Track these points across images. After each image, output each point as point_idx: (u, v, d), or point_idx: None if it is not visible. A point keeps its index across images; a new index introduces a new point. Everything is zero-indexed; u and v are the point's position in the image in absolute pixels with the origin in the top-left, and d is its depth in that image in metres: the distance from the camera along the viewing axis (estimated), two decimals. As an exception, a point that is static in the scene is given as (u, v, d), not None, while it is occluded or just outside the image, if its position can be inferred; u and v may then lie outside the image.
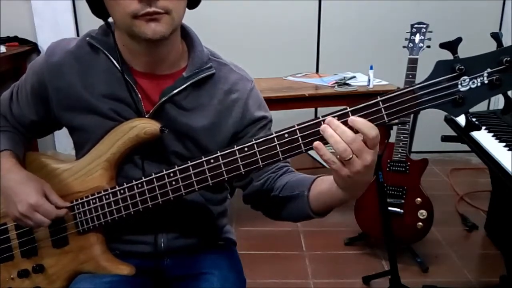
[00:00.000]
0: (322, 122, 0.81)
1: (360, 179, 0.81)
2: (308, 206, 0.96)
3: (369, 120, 0.79)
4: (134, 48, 0.98)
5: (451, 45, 0.77)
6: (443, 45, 0.78)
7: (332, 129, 0.79)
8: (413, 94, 0.78)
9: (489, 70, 0.75)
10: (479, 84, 0.76)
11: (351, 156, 0.77)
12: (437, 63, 0.77)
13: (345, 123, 0.79)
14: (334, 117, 0.80)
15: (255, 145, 0.87)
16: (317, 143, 0.80)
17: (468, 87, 0.76)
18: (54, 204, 1.02)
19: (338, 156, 0.79)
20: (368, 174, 0.81)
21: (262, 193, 1.06)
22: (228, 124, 1.06)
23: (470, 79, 0.76)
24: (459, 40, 0.77)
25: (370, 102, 0.79)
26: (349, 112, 0.80)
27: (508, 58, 0.74)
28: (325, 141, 0.80)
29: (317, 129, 0.81)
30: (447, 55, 0.79)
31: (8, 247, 1.09)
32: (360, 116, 0.79)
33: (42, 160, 1.10)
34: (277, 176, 1.06)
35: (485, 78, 0.75)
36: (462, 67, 0.75)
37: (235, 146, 0.89)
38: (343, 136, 0.78)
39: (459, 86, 0.76)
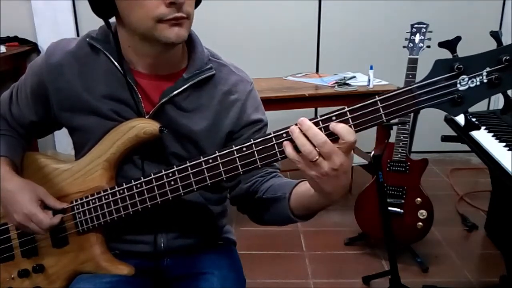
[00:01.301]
0: (320, 122, 0.81)
1: (332, 182, 0.80)
2: (289, 208, 0.96)
3: (367, 120, 0.79)
4: (142, 50, 0.98)
5: (450, 44, 0.77)
6: (442, 44, 0.77)
7: (304, 130, 0.79)
8: (411, 93, 0.78)
9: (488, 69, 0.75)
10: (478, 83, 0.75)
11: (316, 157, 0.78)
12: (435, 62, 0.77)
13: (327, 127, 0.79)
14: (330, 117, 0.80)
15: (253, 145, 0.86)
16: (286, 142, 0.82)
17: (467, 86, 0.76)
18: (52, 207, 1.03)
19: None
20: (340, 178, 0.80)
21: (248, 195, 1.07)
22: (225, 124, 1.06)
23: (469, 78, 0.75)
24: (458, 39, 0.77)
25: (368, 102, 0.79)
26: (347, 112, 0.79)
27: (508, 57, 0.73)
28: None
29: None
30: (447, 55, 0.78)
31: (9, 246, 1.10)
32: (358, 115, 0.79)
33: (42, 160, 1.10)
34: (265, 180, 1.06)
35: (484, 77, 0.75)
36: (461, 66, 0.75)
37: (233, 146, 0.89)
38: (314, 138, 0.78)
39: (458, 85, 0.76)
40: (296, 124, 0.81)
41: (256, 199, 1.05)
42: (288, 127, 0.83)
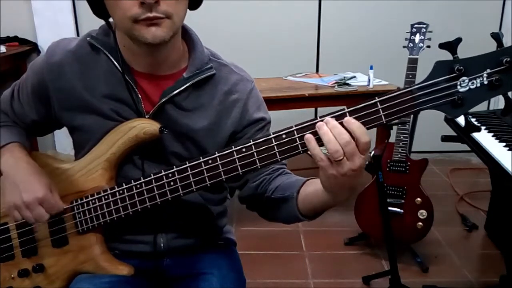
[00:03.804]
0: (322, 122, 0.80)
1: (346, 182, 0.81)
2: (297, 208, 0.96)
3: (366, 121, 0.79)
4: (134, 50, 0.98)
5: (451, 46, 0.77)
6: (442, 46, 0.77)
7: (329, 128, 0.78)
8: (412, 94, 0.78)
9: (488, 70, 0.75)
10: (478, 85, 0.75)
11: (342, 157, 0.77)
12: (436, 64, 0.77)
13: (341, 124, 0.78)
14: (332, 117, 0.80)
15: (253, 146, 0.87)
16: (308, 136, 0.80)
17: (467, 88, 0.76)
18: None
19: (329, 155, 0.79)
20: (354, 179, 0.81)
21: (257, 195, 1.07)
22: (227, 124, 1.06)
23: (470, 80, 0.75)
24: (458, 40, 0.77)
25: (368, 103, 0.79)
26: (347, 113, 0.79)
27: (508, 59, 0.73)
28: (321, 142, 0.80)
29: (315, 130, 0.81)
30: (447, 55, 0.78)
31: (9, 246, 1.09)
32: (358, 116, 0.79)
33: (42, 160, 1.10)
34: (272, 178, 1.06)
35: (485, 79, 0.75)
36: (462, 67, 0.75)
37: (233, 147, 0.89)
38: (339, 137, 0.77)
39: (458, 87, 0.76)
40: (321, 120, 0.80)
41: (265, 198, 1.05)
42: (287, 128, 0.83)
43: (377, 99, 0.78)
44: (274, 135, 0.85)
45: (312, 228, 2.63)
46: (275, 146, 0.85)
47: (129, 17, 0.88)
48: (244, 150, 0.87)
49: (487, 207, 2.63)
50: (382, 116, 0.79)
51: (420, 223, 2.21)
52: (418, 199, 2.20)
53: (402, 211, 2.23)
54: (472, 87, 0.76)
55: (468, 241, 2.57)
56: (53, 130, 1.18)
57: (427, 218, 2.20)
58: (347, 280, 2.21)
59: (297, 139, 0.83)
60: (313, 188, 0.93)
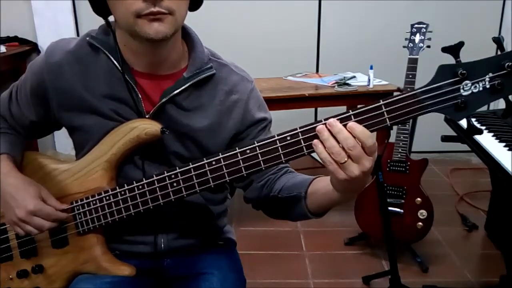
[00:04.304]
0: (324, 125, 0.81)
1: (357, 183, 0.82)
2: (306, 207, 0.97)
3: (371, 124, 0.79)
4: (135, 48, 0.98)
5: (453, 49, 0.77)
6: (445, 49, 0.78)
7: (334, 132, 0.79)
8: (416, 98, 0.78)
9: (491, 74, 0.75)
10: (481, 88, 0.76)
11: (345, 159, 0.78)
12: (439, 67, 0.78)
13: (345, 127, 0.79)
14: (337, 119, 0.80)
15: (257, 148, 0.87)
16: (316, 141, 0.81)
17: (470, 92, 0.77)
18: (53, 207, 1.03)
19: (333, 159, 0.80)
20: (365, 179, 0.82)
21: (262, 195, 1.07)
22: (229, 125, 1.06)
23: (472, 84, 0.76)
24: (461, 44, 0.77)
25: (372, 106, 0.79)
26: (352, 115, 0.80)
27: (510, 63, 0.74)
28: None
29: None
30: (447, 55, 0.79)
31: (7, 247, 1.09)
32: (362, 119, 0.80)
33: (41, 160, 1.10)
34: (277, 178, 1.06)
35: (487, 83, 0.76)
36: (464, 71, 0.76)
37: (237, 148, 0.89)
38: (344, 142, 0.78)
39: (461, 91, 0.77)
40: (324, 124, 0.80)
41: (271, 197, 1.05)
42: (292, 130, 0.84)
43: (381, 102, 0.79)
44: (279, 137, 0.85)
45: (312, 228, 2.63)
46: (279, 148, 0.85)
47: (132, 12, 0.88)
48: (248, 151, 0.88)
49: (487, 207, 2.63)
50: (387, 119, 0.79)
51: (420, 223, 2.21)
52: (418, 199, 2.20)
53: (402, 211, 2.23)
54: (474, 90, 0.76)
55: (468, 241, 2.57)
56: (52, 131, 1.18)
57: (427, 218, 2.20)
58: (347, 280, 2.21)
59: (301, 140, 0.83)
60: (322, 187, 0.94)
